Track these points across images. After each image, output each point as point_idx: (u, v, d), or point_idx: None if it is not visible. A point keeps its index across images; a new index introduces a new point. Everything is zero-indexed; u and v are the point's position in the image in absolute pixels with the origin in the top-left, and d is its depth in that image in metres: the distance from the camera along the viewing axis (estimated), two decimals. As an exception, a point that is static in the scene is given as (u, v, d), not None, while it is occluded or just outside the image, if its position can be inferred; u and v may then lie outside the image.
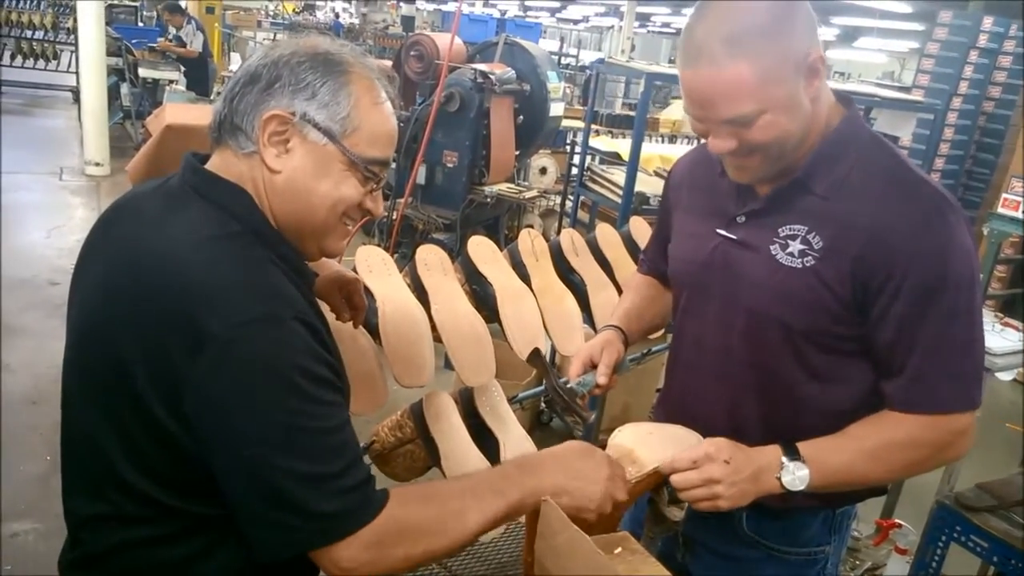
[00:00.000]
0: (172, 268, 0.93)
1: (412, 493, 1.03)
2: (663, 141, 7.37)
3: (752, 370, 1.28)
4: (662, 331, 2.39)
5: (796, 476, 1.15)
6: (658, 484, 1.23)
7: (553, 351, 2.54)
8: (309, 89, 0.99)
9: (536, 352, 1.44)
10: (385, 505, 0.97)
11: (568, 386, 1.39)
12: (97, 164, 7.29)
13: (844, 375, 1.24)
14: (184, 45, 8.81)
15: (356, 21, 11.87)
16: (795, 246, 1.19)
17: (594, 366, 1.43)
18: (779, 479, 1.16)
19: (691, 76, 1.12)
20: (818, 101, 1.15)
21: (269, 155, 1.00)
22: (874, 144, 1.21)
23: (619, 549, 1.11)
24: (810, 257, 1.17)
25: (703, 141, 1.25)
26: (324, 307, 1.33)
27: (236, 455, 0.91)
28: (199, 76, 8.87)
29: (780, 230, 1.20)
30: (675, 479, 1.16)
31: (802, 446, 1.18)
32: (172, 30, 8.94)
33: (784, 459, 1.16)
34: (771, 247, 1.21)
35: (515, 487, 1.06)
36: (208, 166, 1.04)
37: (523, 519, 1.19)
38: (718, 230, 1.29)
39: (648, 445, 1.26)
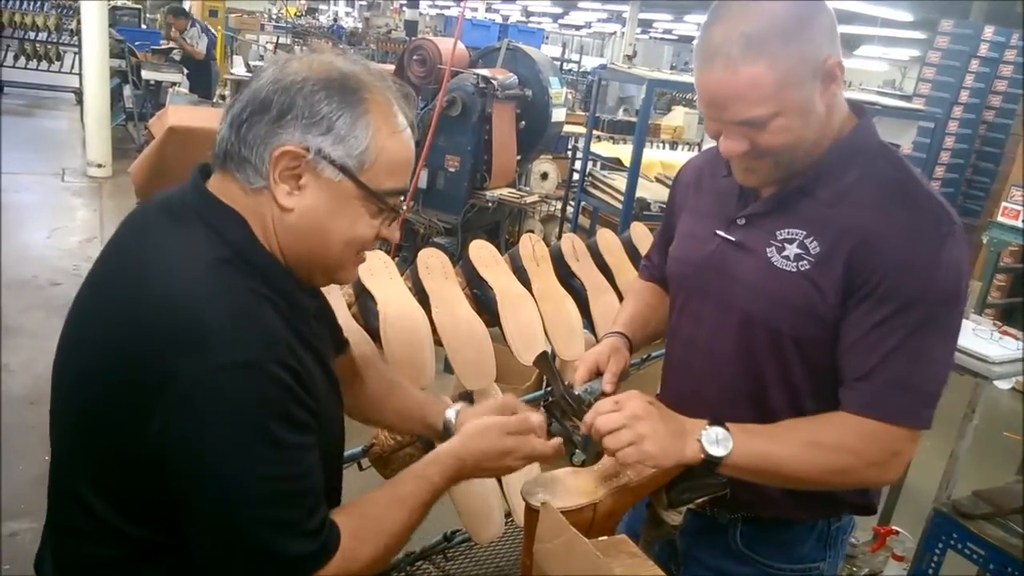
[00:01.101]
0: (153, 298, 0.89)
1: (362, 526, 1.01)
2: (664, 147, 7.39)
3: (741, 377, 1.27)
4: (662, 337, 2.40)
5: (719, 440, 1.11)
6: (656, 488, 1.24)
7: (553, 355, 2.55)
8: (324, 123, 0.93)
9: (543, 356, 1.43)
10: (340, 541, 0.96)
11: (576, 393, 1.37)
12: (99, 165, 7.30)
13: (830, 391, 1.20)
14: (205, 43, 8.84)
15: (359, 25, 11.89)
16: (791, 249, 1.18)
17: (600, 373, 1.41)
18: (700, 441, 1.11)
19: (707, 76, 1.11)
20: (833, 108, 1.15)
21: (280, 192, 0.94)
22: (883, 155, 1.20)
23: (617, 552, 1.12)
24: (805, 262, 1.17)
25: (711, 145, 1.26)
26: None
27: (198, 497, 0.89)
28: (202, 79, 8.88)
29: (778, 233, 1.20)
30: (599, 421, 1.13)
31: (732, 425, 1.14)
32: (175, 33, 8.96)
33: (707, 424, 1.13)
34: (767, 249, 1.20)
35: (436, 494, 1.11)
36: (210, 186, 0.99)
37: (521, 522, 1.20)
38: (717, 231, 1.28)
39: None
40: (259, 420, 0.88)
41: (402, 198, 1.06)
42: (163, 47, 8.87)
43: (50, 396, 1.02)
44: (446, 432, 1.29)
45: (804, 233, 1.18)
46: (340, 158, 0.94)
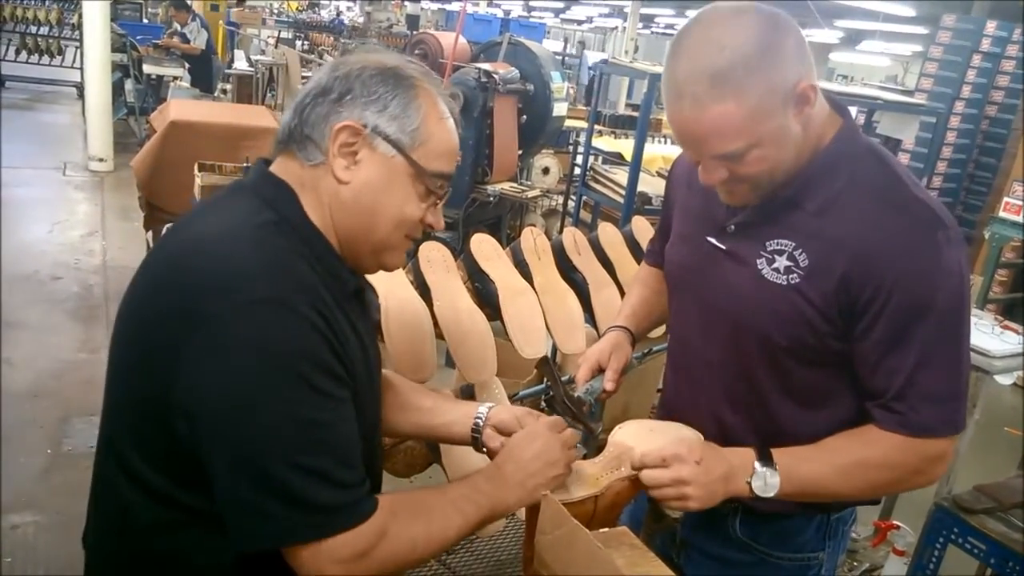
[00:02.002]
0: (195, 250, 0.95)
1: (401, 504, 1.01)
2: (666, 142, 7.38)
3: (738, 382, 1.28)
4: (664, 330, 2.40)
5: (767, 483, 1.15)
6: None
7: (554, 349, 2.55)
8: (380, 101, 1.00)
9: (544, 360, 1.43)
10: (375, 513, 0.96)
11: (576, 396, 1.37)
12: (100, 160, 7.30)
13: (824, 395, 1.23)
14: (188, 42, 8.82)
15: (361, 20, 11.86)
16: (781, 262, 1.17)
17: (602, 370, 1.42)
18: (749, 483, 1.15)
19: (676, 115, 1.10)
20: (810, 121, 1.12)
21: (338, 166, 1.00)
22: (869, 158, 1.17)
23: (618, 544, 1.12)
24: (795, 275, 1.16)
25: None
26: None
27: (225, 436, 0.90)
28: (203, 73, 8.88)
29: (768, 243, 1.18)
30: (644, 476, 1.15)
31: (777, 453, 1.17)
32: (176, 26, 8.94)
33: (757, 464, 1.16)
34: (758, 261, 1.19)
35: (487, 498, 1.09)
36: (271, 168, 1.05)
37: (523, 515, 1.20)
38: (708, 237, 1.27)
39: (649, 442, 1.26)
40: (289, 358, 0.90)
41: (448, 185, 1.09)
42: (160, 43, 8.84)
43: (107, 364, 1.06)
44: (476, 428, 1.27)
45: (793, 244, 1.16)
46: (394, 134, 1.01)
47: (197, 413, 0.90)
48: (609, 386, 1.40)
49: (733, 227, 1.23)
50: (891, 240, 1.09)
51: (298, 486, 0.90)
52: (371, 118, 1.00)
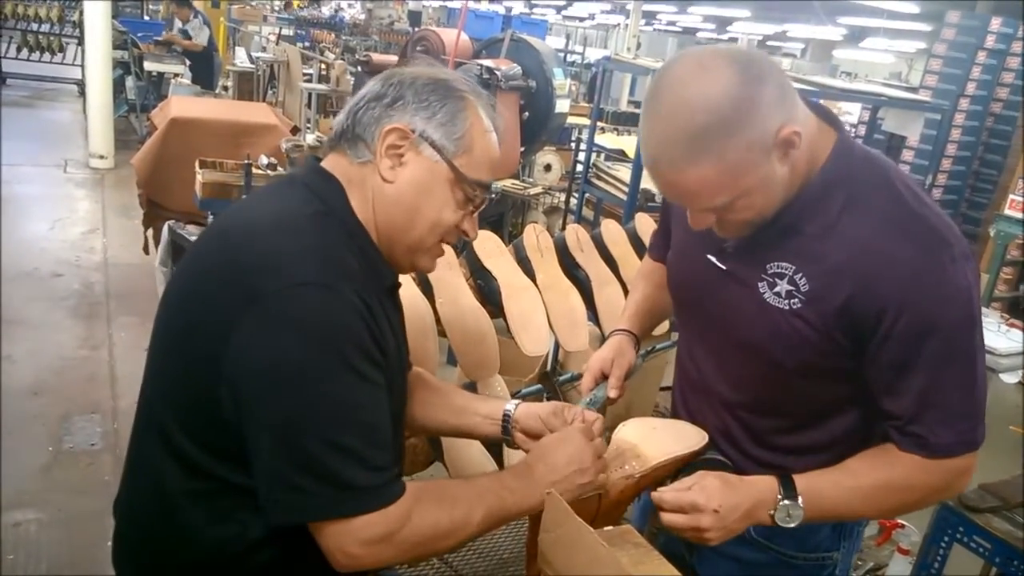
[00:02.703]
0: (250, 233, 1.02)
1: (427, 492, 1.05)
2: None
3: (741, 394, 1.28)
4: (667, 328, 2.39)
5: (791, 515, 1.14)
6: (662, 479, 1.23)
7: (557, 347, 2.54)
8: (430, 109, 1.06)
9: (546, 376, 1.44)
10: (402, 497, 1.00)
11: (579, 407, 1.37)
12: (101, 157, 7.29)
13: (833, 407, 1.22)
14: (190, 38, 8.81)
15: (362, 17, 11.86)
16: (782, 286, 1.15)
17: (605, 377, 1.42)
18: (772, 515, 1.14)
19: (655, 174, 1.08)
20: (799, 159, 1.08)
21: (384, 165, 1.06)
22: (868, 174, 1.13)
23: (622, 542, 1.11)
24: (797, 299, 1.13)
25: None
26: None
27: (268, 411, 0.94)
28: (205, 70, 8.85)
29: (768, 267, 1.16)
30: (664, 519, 1.14)
31: (799, 480, 1.15)
32: (178, 23, 8.93)
33: (779, 496, 1.14)
34: (759, 284, 1.17)
35: (512, 495, 1.11)
36: (321, 164, 1.11)
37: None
38: (708, 255, 1.25)
39: (652, 440, 1.26)
40: (334, 339, 0.95)
41: (488, 196, 1.14)
42: (163, 40, 8.83)
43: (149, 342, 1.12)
44: (504, 426, 1.31)
45: (793, 268, 1.14)
46: (440, 140, 1.06)
47: (242, 386, 0.95)
48: (613, 393, 1.40)
49: (732, 248, 1.21)
50: (894, 266, 1.06)
51: (332, 464, 0.94)
52: (419, 123, 1.06)
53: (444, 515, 1.04)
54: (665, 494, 1.14)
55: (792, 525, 1.14)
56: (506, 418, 1.31)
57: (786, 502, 1.13)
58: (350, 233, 1.06)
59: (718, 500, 1.11)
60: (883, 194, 1.11)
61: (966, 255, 1.09)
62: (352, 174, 1.08)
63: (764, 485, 1.16)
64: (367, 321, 0.98)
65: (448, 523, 1.04)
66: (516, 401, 1.34)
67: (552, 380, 1.44)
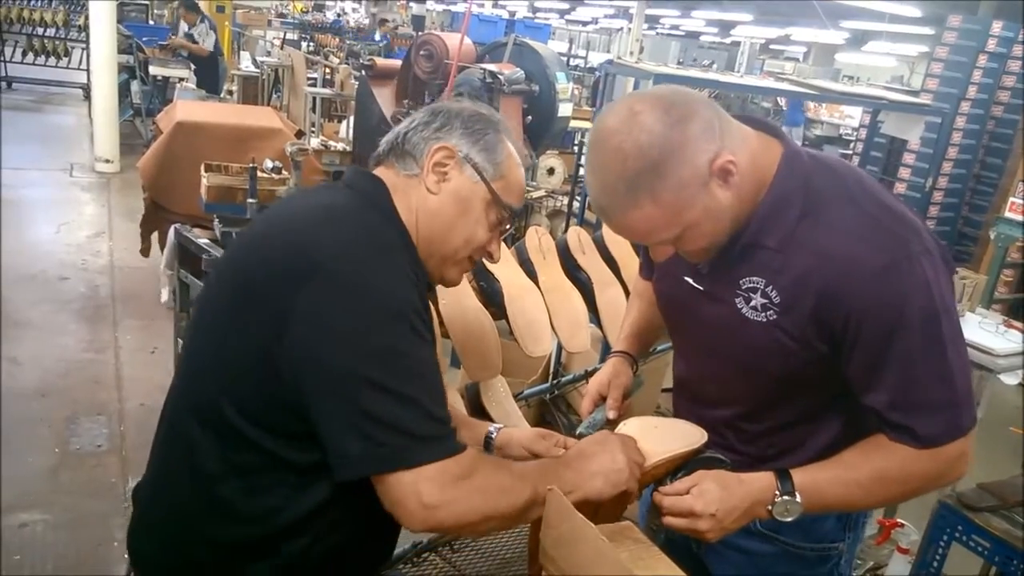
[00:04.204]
0: (302, 220, 1.10)
1: (484, 458, 1.15)
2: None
3: (734, 404, 1.31)
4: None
5: (789, 509, 1.16)
6: (662, 476, 1.25)
7: (559, 349, 2.56)
8: (474, 136, 1.18)
9: (544, 404, 1.48)
10: (467, 449, 1.06)
11: (578, 433, 1.41)
12: (107, 161, 7.32)
13: (823, 409, 1.24)
14: (196, 43, 8.85)
15: (365, 21, 11.90)
16: (757, 299, 1.18)
17: (604, 399, 1.45)
18: (770, 511, 1.17)
19: (604, 220, 1.15)
20: (743, 182, 1.10)
21: (430, 180, 1.17)
22: (819, 180, 1.15)
23: (623, 539, 1.13)
24: (772, 311, 1.16)
25: None
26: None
27: (333, 366, 0.99)
28: (210, 74, 8.88)
29: (742, 282, 1.19)
30: (664, 520, 1.18)
31: (796, 475, 1.18)
32: (184, 26, 8.96)
33: (777, 492, 1.16)
34: (736, 300, 1.20)
35: (556, 478, 1.15)
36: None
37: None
38: (685, 277, 1.28)
39: (653, 438, 1.28)
40: (395, 300, 1.03)
41: (512, 223, 1.25)
42: (168, 44, 8.85)
43: (191, 322, 1.21)
44: (486, 448, 1.40)
45: (764, 281, 1.17)
46: (482, 163, 1.18)
47: (309, 346, 0.99)
48: (612, 415, 1.43)
49: (706, 268, 1.24)
50: (852, 271, 1.09)
51: (402, 415, 1.00)
52: (465, 146, 1.17)
53: (504, 474, 1.11)
54: (664, 500, 1.18)
55: (790, 519, 1.17)
56: (488, 441, 1.40)
57: (784, 497, 1.16)
58: (396, 228, 1.14)
59: (715, 505, 1.15)
60: (836, 200, 1.13)
61: (926, 249, 1.10)
62: (398, 183, 1.17)
63: (762, 484, 1.18)
64: (420, 289, 1.08)
65: (508, 487, 1.09)
66: (498, 425, 1.42)
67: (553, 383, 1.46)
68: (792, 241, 1.14)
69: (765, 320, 1.17)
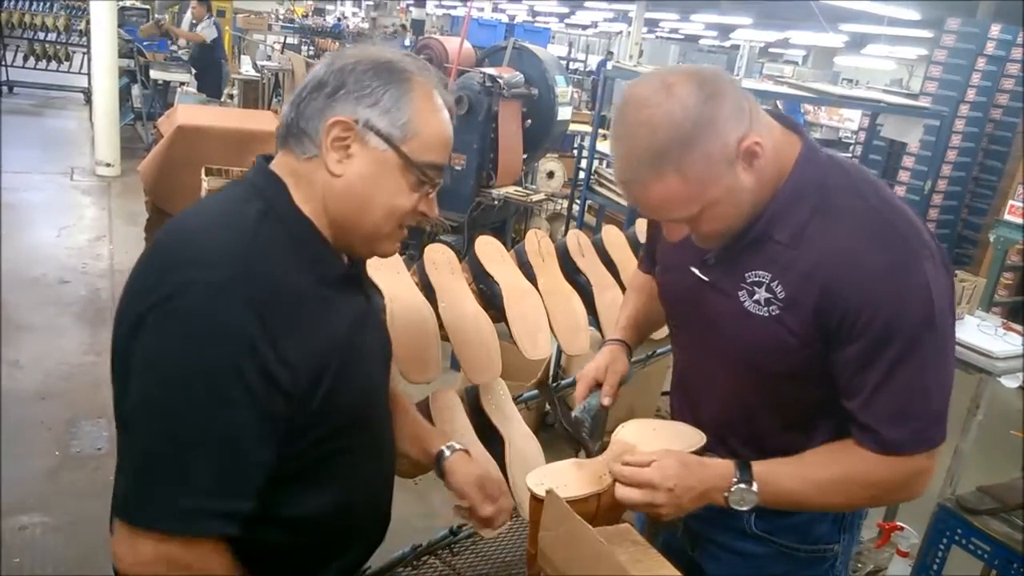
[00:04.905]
0: (173, 231, 1.02)
1: (228, 562, 0.99)
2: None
3: (734, 403, 1.31)
4: (667, 332, 2.41)
5: (745, 499, 1.16)
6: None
7: (559, 352, 2.56)
8: (372, 96, 1.03)
9: (543, 385, 1.46)
10: (209, 537, 0.94)
11: (574, 416, 1.41)
12: (108, 164, 7.33)
13: (821, 413, 1.24)
14: (214, 35, 8.87)
15: (365, 25, 11.90)
16: (761, 294, 1.18)
17: (599, 386, 1.45)
18: (726, 497, 1.17)
19: (625, 193, 1.14)
20: (765, 168, 1.11)
21: (331, 160, 1.03)
22: (834, 179, 1.16)
23: (621, 540, 1.13)
24: (775, 306, 1.17)
25: None
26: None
27: (133, 399, 0.94)
28: (211, 78, 8.91)
29: (747, 275, 1.19)
30: (618, 493, 1.17)
31: (756, 466, 1.18)
32: (189, 20, 8.98)
33: (735, 479, 1.17)
34: (739, 293, 1.20)
35: None
36: (272, 163, 1.09)
37: (527, 514, 1.21)
38: (692, 267, 1.29)
39: (651, 441, 1.28)
40: (190, 358, 0.91)
41: (443, 175, 1.12)
42: (161, 24, 8.80)
43: None
44: (438, 465, 1.35)
45: (769, 276, 1.17)
46: (385, 128, 1.03)
47: (133, 383, 0.94)
48: (606, 401, 1.42)
49: (713, 258, 1.25)
50: (857, 270, 1.09)
51: (160, 471, 0.92)
52: (363, 113, 1.02)
53: None
54: (624, 469, 1.17)
55: (745, 508, 1.17)
56: (439, 460, 1.35)
57: (741, 486, 1.16)
58: (288, 228, 1.03)
59: (673, 480, 1.14)
60: (849, 199, 1.15)
61: (931, 256, 1.11)
62: (300, 170, 1.06)
63: (722, 469, 1.18)
64: (253, 333, 0.92)
65: None
66: (456, 447, 1.36)
67: (550, 387, 1.44)
68: (802, 237, 1.14)
69: (767, 315, 1.18)
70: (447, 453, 1.35)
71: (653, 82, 1.07)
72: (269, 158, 1.11)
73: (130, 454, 0.95)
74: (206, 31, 8.86)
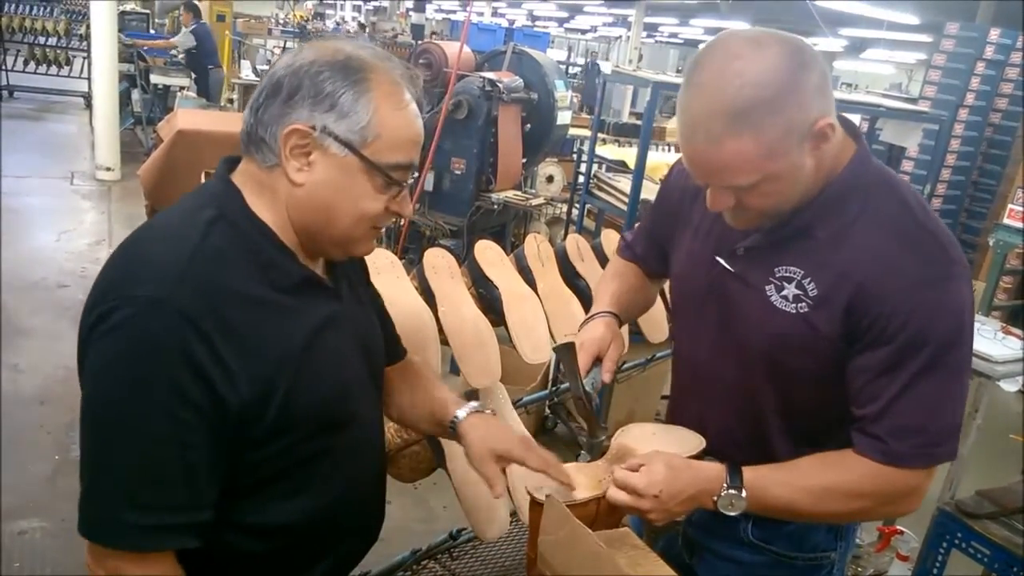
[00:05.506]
0: (123, 245, 1.01)
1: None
2: (669, 150, 7.40)
3: (745, 400, 1.29)
4: (667, 336, 2.41)
5: (734, 504, 1.16)
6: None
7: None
8: (328, 100, 0.98)
9: (569, 347, 1.34)
10: (160, 553, 0.95)
11: (586, 390, 1.35)
12: (108, 169, 7.34)
13: (830, 421, 1.22)
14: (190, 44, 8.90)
15: (366, 30, 11.91)
16: (790, 290, 1.17)
17: (599, 359, 1.40)
18: (715, 502, 1.16)
19: (688, 147, 1.08)
20: (823, 158, 1.10)
21: (291, 169, 1.00)
22: (883, 186, 1.16)
23: (620, 544, 1.13)
24: (804, 304, 1.15)
25: None
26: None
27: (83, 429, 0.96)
28: (201, 83, 8.93)
29: (776, 270, 1.18)
30: (609, 495, 1.16)
31: (747, 472, 1.17)
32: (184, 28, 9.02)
33: (725, 484, 1.16)
34: (766, 287, 1.19)
35: None
36: (237, 171, 1.06)
37: (527, 517, 1.21)
38: (717, 257, 1.26)
39: (651, 446, 1.28)
40: (123, 373, 0.91)
41: (413, 172, 1.08)
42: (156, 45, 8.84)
43: None
44: (452, 429, 1.26)
45: (802, 272, 1.16)
46: (344, 134, 0.98)
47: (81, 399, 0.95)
48: (607, 378, 1.39)
49: (742, 250, 1.23)
50: (897, 275, 1.09)
51: (101, 484, 0.95)
52: (319, 119, 0.98)
53: None
54: (617, 473, 1.17)
55: (734, 513, 1.16)
56: (453, 425, 1.26)
57: (731, 491, 1.16)
58: (242, 236, 1.00)
59: (659, 486, 1.14)
60: (896, 207, 1.14)
61: (966, 275, 1.12)
62: (263, 179, 1.02)
63: (712, 473, 1.18)
64: (185, 347, 0.91)
65: None
66: (474, 406, 1.28)
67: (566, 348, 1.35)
68: (845, 237, 1.13)
69: (795, 311, 1.16)
70: (461, 416, 1.25)
71: (745, 38, 1.04)
72: (232, 160, 1.08)
73: (81, 469, 0.96)
74: (181, 39, 8.89)
